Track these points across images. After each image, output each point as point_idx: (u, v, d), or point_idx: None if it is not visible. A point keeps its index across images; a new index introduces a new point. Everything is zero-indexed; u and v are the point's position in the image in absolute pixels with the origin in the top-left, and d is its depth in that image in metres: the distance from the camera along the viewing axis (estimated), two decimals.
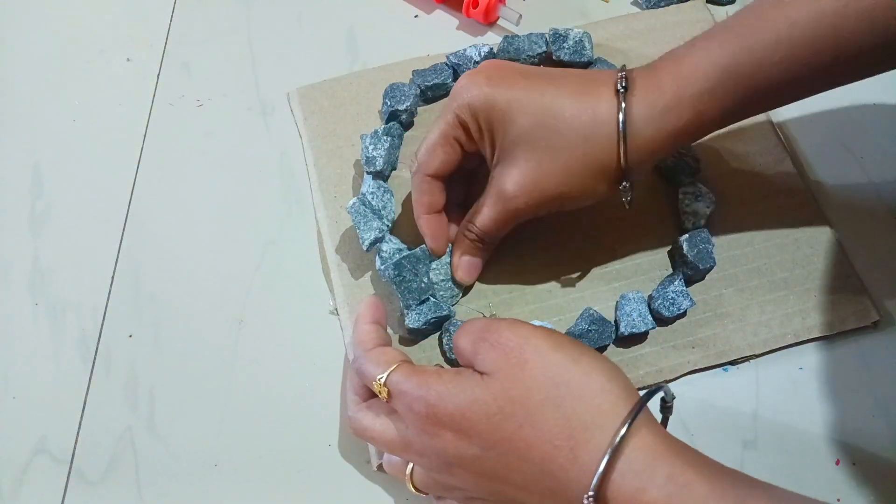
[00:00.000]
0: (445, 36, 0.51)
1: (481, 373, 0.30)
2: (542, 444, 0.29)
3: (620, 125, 0.33)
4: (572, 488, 0.28)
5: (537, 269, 0.41)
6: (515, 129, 0.35)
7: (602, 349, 0.39)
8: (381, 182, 0.42)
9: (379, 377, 0.32)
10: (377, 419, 0.33)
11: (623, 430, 0.27)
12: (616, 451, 0.27)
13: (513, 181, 0.35)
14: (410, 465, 0.33)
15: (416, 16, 0.52)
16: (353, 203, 0.41)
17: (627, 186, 0.35)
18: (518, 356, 0.30)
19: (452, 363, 0.38)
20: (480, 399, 0.30)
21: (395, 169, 0.45)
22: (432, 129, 0.37)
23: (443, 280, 0.39)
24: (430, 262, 0.39)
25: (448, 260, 0.40)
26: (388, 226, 0.41)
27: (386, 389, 0.32)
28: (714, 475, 0.27)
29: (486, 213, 0.37)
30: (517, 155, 0.35)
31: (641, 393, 0.29)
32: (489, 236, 0.38)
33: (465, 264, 0.39)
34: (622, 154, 0.34)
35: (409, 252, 0.38)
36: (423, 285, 0.38)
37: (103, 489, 0.37)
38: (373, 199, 0.41)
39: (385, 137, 0.43)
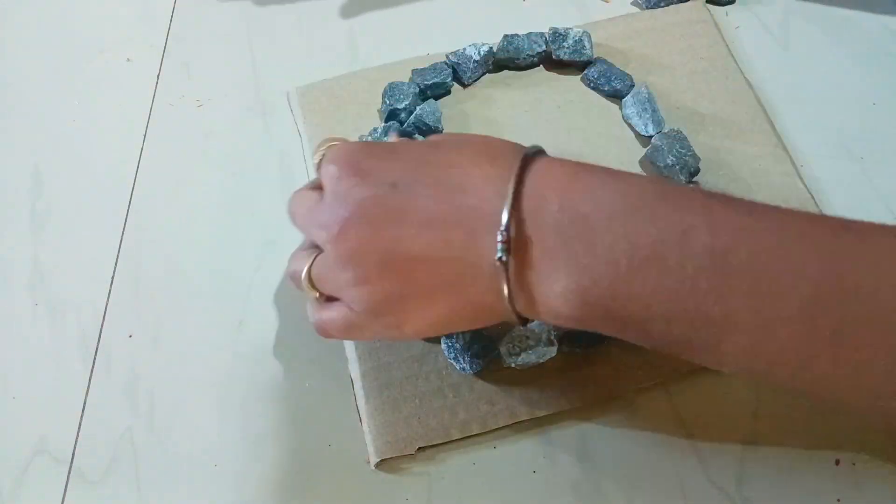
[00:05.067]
0: (446, 35, 0.51)
1: None
2: (465, 161, 0.29)
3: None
4: (489, 195, 0.28)
5: None
6: None
7: (602, 345, 0.39)
8: None
9: (327, 145, 0.33)
10: (306, 194, 0.33)
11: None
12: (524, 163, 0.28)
13: None
14: (311, 258, 0.32)
15: None
16: None
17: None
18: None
19: (451, 361, 0.38)
20: (411, 141, 0.33)
21: None
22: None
23: None
24: None
25: None
26: None
27: (321, 154, 0.33)
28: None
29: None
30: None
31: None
32: None
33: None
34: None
35: None
36: None
37: (103, 489, 0.37)
38: None
39: (385, 137, 0.43)
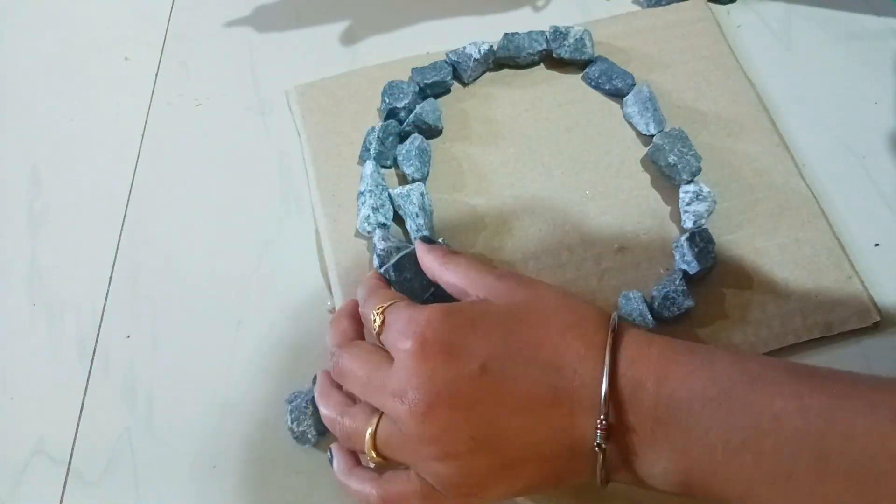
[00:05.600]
0: (446, 34, 0.51)
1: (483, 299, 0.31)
2: (554, 337, 0.29)
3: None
4: (584, 378, 0.28)
5: (537, 270, 0.41)
6: None
7: None
8: (380, 179, 0.43)
9: (380, 307, 0.32)
10: (364, 354, 0.32)
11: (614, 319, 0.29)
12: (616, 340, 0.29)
13: None
14: (375, 421, 0.31)
15: None
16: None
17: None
18: (526, 277, 0.32)
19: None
20: (488, 310, 0.30)
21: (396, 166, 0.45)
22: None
23: None
24: None
25: None
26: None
27: (381, 318, 0.31)
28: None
29: None
30: None
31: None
32: None
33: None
34: None
35: (407, 251, 0.38)
36: (424, 283, 0.38)
37: (101, 490, 0.37)
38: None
39: (383, 136, 0.43)
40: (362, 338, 0.35)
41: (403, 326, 0.30)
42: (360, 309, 0.35)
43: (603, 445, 0.28)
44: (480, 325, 0.30)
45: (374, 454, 0.31)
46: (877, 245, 0.42)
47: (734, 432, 0.26)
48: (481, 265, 0.34)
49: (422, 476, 0.30)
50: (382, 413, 0.31)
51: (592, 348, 0.29)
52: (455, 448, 0.29)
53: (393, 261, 0.38)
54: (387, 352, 0.32)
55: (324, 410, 0.34)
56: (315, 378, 0.37)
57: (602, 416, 0.27)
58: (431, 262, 0.35)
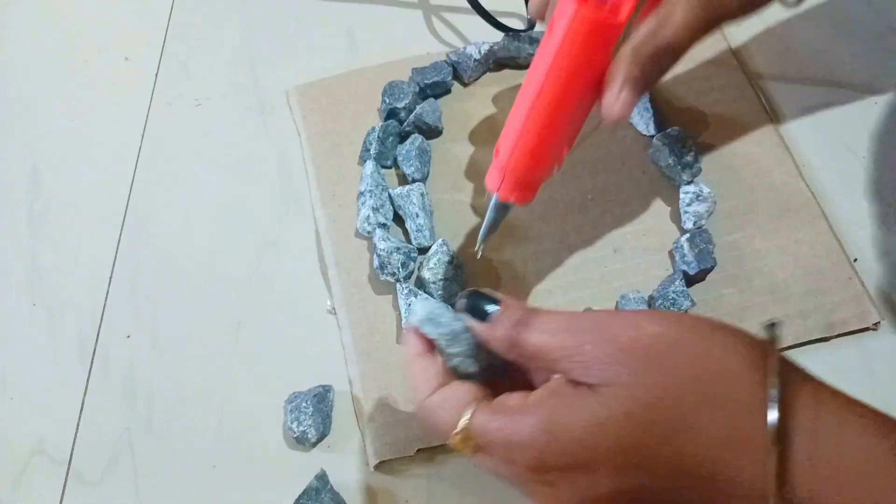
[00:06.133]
0: (446, 34, 0.51)
1: (587, 384, 0.24)
2: (703, 452, 0.23)
3: None
4: (748, 486, 0.22)
5: (537, 270, 0.41)
6: None
7: None
8: (380, 179, 0.43)
9: (455, 432, 0.26)
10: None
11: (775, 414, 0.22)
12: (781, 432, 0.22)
13: None
14: None
15: None
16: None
17: None
18: (642, 351, 0.23)
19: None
20: (604, 417, 0.23)
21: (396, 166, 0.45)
22: None
23: (441, 279, 0.39)
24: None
25: (446, 259, 0.40)
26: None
27: (472, 443, 0.25)
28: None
29: (679, 16, 0.30)
30: None
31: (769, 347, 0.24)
32: (677, 48, 0.31)
33: (625, 100, 0.31)
34: None
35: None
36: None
37: (101, 490, 0.37)
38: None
39: (383, 135, 0.43)
40: (442, 375, 0.29)
41: (506, 454, 0.25)
42: (422, 413, 0.28)
43: None
44: (603, 429, 0.23)
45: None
46: (877, 246, 0.41)
47: None
48: (567, 321, 0.26)
49: None
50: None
51: (751, 450, 0.22)
52: None
53: (392, 259, 0.38)
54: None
55: None
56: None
57: None
58: (507, 330, 0.27)
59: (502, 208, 0.35)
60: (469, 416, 0.26)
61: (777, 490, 0.22)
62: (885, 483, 0.22)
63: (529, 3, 0.37)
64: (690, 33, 0.31)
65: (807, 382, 0.24)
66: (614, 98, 0.31)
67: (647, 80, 0.31)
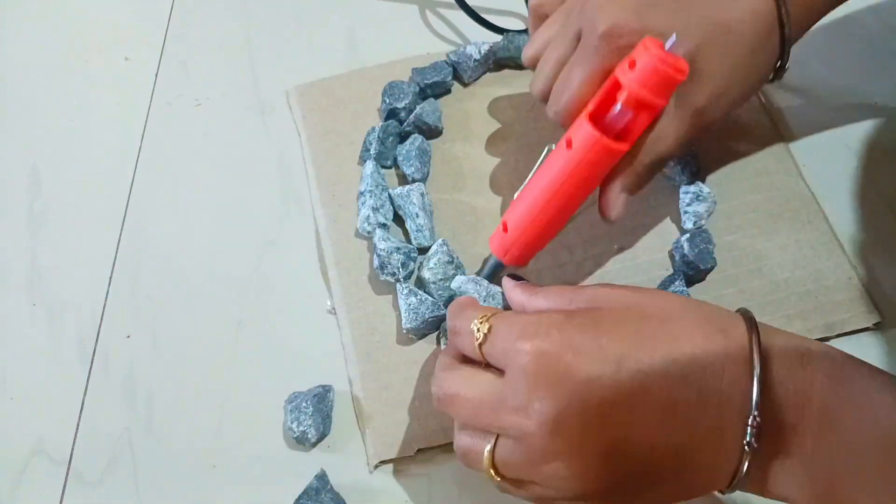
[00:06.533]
0: (446, 33, 0.51)
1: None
2: (692, 333, 0.26)
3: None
4: (733, 375, 0.26)
5: (537, 270, 0.41)
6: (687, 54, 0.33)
7: None
8: (380, 179, 0.43)
9: (482, 316, 0.29)
10: (470, 376, 0.29)
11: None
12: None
13: (704, 95, 0.34)
14: (492, 442, 0.28)
15: None
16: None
17: (785, 65, 0.37)
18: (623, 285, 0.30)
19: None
20: (609, 311, 0.27)
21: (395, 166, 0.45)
22: (575, 72, 0.34)
23: (441, 279, 0.39)
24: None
25: (446, 259, 0.40)
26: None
27: (487, 326, 0.28)
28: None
29: (671, 136, 0.34)
30: (696, 72, 0.33)
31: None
32: (669, 158, 0.36)
33: (623, 201, 0.36)
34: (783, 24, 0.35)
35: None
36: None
37: (101, 490, 0.37)
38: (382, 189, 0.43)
39: (382, 135, 0.43)
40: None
41: (520, 331, 0.27)
42: (450, 324, 0.31)
43: (753, 444, 0.25)
44: (608, 323, 0.27)
45: (493, 474, 0.28)
46: (877, 246, 0.42)
47: None
48: (570, 285, 0.32)
49: (545, 489, 0.28)
50: (499, 435, 0.28)
51: (738, 343, 0.26)
52: (586, 464, 0.26)
53: (392, 259, 0.38)
54: (491, 371, 0.29)
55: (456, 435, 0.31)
56: None
57: (755, 413, 0.25)
58: (520, 295, 0.33)
59: (502, 269, 0.39)
60: (496, 312, 0.30)
61: (764, 370, 0.26)
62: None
63: (523, 54, 0.40)
64: (680, 146, 0.36)
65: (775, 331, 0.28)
66: (614, 200, 0.36)
67: (641, 185, 0.37)
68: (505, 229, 0.37)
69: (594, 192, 0.36)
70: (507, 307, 0.36)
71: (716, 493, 0.29)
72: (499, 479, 0.28)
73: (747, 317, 0.28)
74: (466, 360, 0.31)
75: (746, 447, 0.26)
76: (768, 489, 0.27)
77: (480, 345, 0.29)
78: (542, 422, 0.26)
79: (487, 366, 0.29)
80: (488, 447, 0.28)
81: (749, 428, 0.25)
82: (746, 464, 0.26)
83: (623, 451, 0.26)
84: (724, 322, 0.28)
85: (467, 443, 0.29)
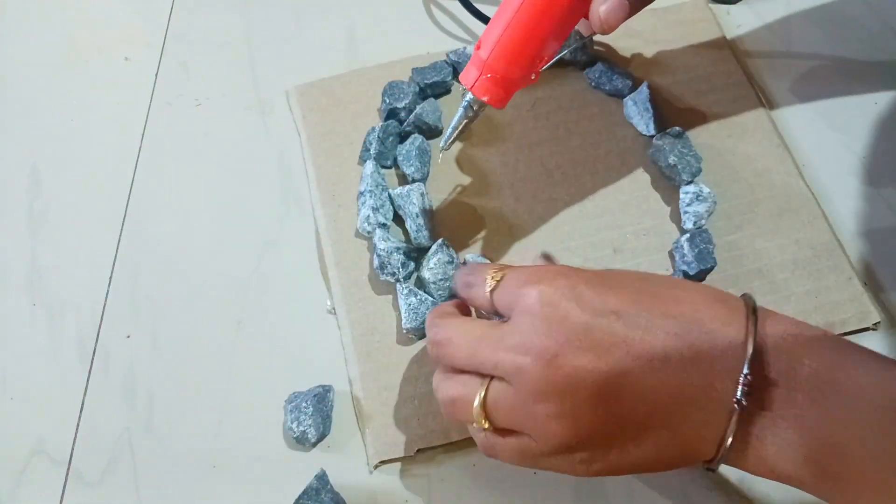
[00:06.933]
0: (446, 34, 0.51)
1: None
2: (694, 298, 0.27)
3: None
4: (729, 337, 0.26)
5: None
6: None
7: None
8: (380, 179, 0.43)
9: (497, 270, 0.30)
10: (468, 321, 0.30)
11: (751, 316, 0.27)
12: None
13: None
14: (485, 385, 0.28)
15: None
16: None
17: None
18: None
19: None
20: (616, 273, 0.29)
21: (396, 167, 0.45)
22: None
23: (441, 279, 0.39)
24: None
25: (446, 259, 0.40)
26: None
27: (500, 275, 0.29)
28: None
29: None
30: None
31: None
32: None
33: (616, 2, 0.32)
34: None
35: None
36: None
37: (101, 490, 0.37)
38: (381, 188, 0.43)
39: (383, 135, 0.43)
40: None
41: (529, 276, 0.28)
42: (464, 279, 0.32)
43: (743, 402, 0.26)
44: (614, 280, 0.28)
45: (482, 419, 0.28)
46: (877, 246, 0.42)
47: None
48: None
49: (531, 437, 0.28)
50: (492, 378, 0.28)
51: (736, 312, 0.27)
52: (577, 406, 0.26)
53: (393, 259, 0.38)
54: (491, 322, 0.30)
55: (436, 376, 0.31)
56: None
57: (746, 371, 0.26)
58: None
59: (475, 108, 0.35)
60: (507, 267, 0.30)
61: (759, 340, 0.26)
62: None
63: None
64: None
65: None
66: (601, 1, 0.32)
67: None
68: (478, 46, 0.34)
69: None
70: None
71: (705, 468, 0.28)
72: (486, 425, 0.29)
73: (747, 297, 0.29)
74: (463, 314, 0.32)
75: (736, 405, 0.26)
76: (759, 457, 0.27)
77: (492, 291, 0.30)
78: (539, 356, 0.26)
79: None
80: (481, 391, 0.28)
81: (740, 386, 0.26)
82: (735, 425, 0.26)
83: (615, 394, 0.26)
84: (724, 295, 0.29)
85: (456, 390, 0.29)
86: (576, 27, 0.36)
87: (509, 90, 0.34)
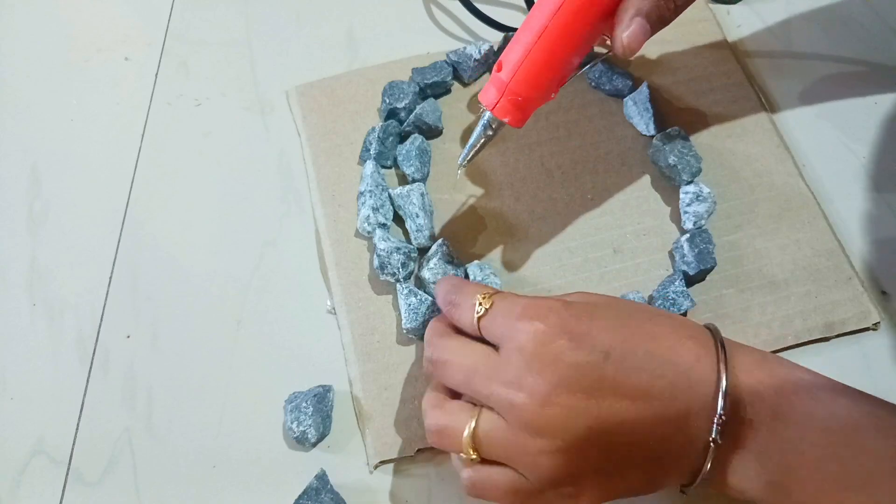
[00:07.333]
0: (446, 34, 0.51)
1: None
2: (669, 335, 0.29)
3: None
4: (701, 375, 0.28)
5: (537, 270, 0.41)
6: None
7: None
8: (380, 180, 0.43)
9: (484, 294, 0.31)
10: (466, 345, 0.30)
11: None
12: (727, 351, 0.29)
13: None
14: (476, 416, 0.29)
15: None
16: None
17: None
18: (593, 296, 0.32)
19: None
20: (600, 305, 0.30)
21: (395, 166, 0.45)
22: None
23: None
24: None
25: (446, 259, 0.40)
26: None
27: (489, 303, 0.30)
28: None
29: None
30: None
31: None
32: None
33: (639, 27, 0.32)
34: None
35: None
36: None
37: (101, 490, 0.37)
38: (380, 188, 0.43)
39: (383, 135, 0.43)
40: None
41: (521, 311, 0.29)
42: (448, 297, 0.33)
43: (718, 440, 0.28)
44: (600, 316, 0.29)
45: (470, 450, 0.29)
46: (876, 246, 0.41)
47: (852, 476, 0.27)
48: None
49: (520, 471, 0.29)
50: (482, 409, 0.29)
51: (706, 349, 0.29)
52: (569, 440, 0.27)
53: (393, 259, 0.38)
54: (487, 344, 0.30)
55: (427, 396, 0.32)
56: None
57: (720, 412, 0.27)
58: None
59: (494, 128, 0.35)
60: (498, 291, 0.31)
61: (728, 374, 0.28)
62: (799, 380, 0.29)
63: None
64: None
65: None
66: (624, 27, 0.32)
67: (660, 16, 0.33)
68: (499, 68, 0.34)
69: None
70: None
71: (680, 491, 0.31)
72: (474, 455, 0.29)
73: (712, 328, 0.31)
74: (458, 331, 0.32)
75: (712, 443, 0.28)
76: (726, 482, 0.29)
77: (480, 318, 0.30)
78: (532, 395, 0.27)
79: (480, 340, 0.31)
80: (472, 422, 0.29)
81: (715, 426, 0.28)
82: (711, 459, 0.28)
83: (604, 431, 0.28)
84: (692, 329, 0.30)
85: (446, 419, 0.30)
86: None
87: (529, 111, 0.35)
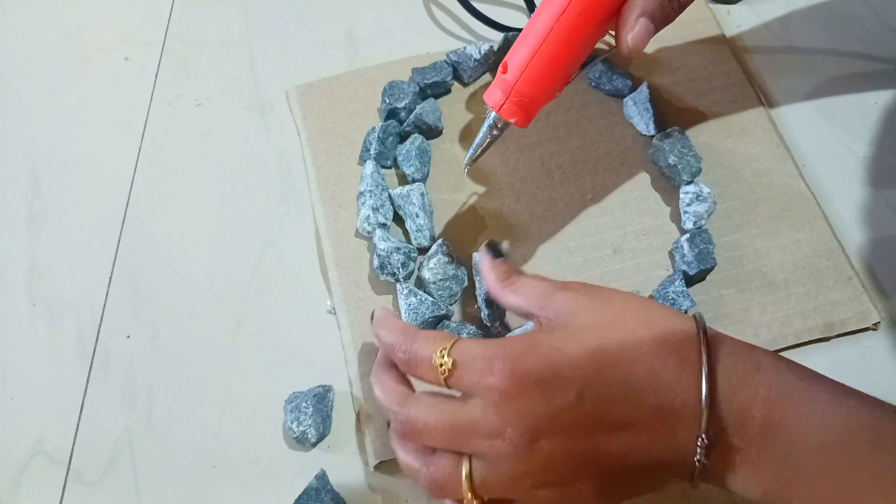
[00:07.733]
0: (446, 34, 0.51)
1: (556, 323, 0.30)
2: (647, 356, 0.28)
3: None
4: (683, 397, 0.28)
5: (537, 270, 0.41)
6: None
7: None
8: (380, 180, 0.43)
9: (441, 349, 0.30)
10: (432, 404, 0.30)
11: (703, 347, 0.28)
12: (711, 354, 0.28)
13: None
14: (467, 464, 0.29)
15: None
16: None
17: None
18: (597, 287, 0.31)
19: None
20: (571, 335, 0.29)
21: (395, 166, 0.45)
22: None
23: (441, 280, 0.39)
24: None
25: (446, 259, 0.40)
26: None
27: (450, 360, 0.29)
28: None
29: None
30: None
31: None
32: None
33: (644, 28, 0.33)
34: None
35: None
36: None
37: (101, 490, 0.37)
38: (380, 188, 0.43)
39: (383, 135, 0.43)
40: (410, 387, 0.33)
41: (485, 365, 0.29)
42: (400, 350, 0.32)
43: (703, 461, 0.28)
44: (574, 342, 0.29)
45: (470, 496, 0.29)
46: (876, 246, 0.41)
47: (847, 489, 0.26)
48: (544, 282, 0.32)
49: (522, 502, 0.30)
50: (471, 458, 0.29)
51: (688, 365, 0.28)
52: (560, 475, 0.28)
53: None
54: (452, 396, 0.30)
55: (403, 458, 0.31)
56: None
57: (703, 434, 0.27)
58: (493, 284, 0.34)
59: (500, 128, 0.36)
60: (454, 342, 0.30)
61: (712, 389, 0.28)
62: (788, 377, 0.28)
63: None
64: None
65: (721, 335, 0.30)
66: (629, 28, 0.33)
67: (665, 15, 0.33)
68: (504, 70, 0.34)
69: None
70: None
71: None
72: (475, 502, 0.29)
73: (700, 326, 0.29)
74: (401, 373, 0.33)
75: (697, 463, 0.28)
76: (725, 487, 0.29)
77: (446, 379, 0.30)
78: (517, 444, 0.28)
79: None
80: (465, 470, 0.29)
81: (698, 448, 0.28)
82: (698, 476, 0.28)
83: (594, 459, 0.28)
84: (676, 343, 0.29)
85: (440, 474, 0.30)
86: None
87: (534, 111, 0.35)
